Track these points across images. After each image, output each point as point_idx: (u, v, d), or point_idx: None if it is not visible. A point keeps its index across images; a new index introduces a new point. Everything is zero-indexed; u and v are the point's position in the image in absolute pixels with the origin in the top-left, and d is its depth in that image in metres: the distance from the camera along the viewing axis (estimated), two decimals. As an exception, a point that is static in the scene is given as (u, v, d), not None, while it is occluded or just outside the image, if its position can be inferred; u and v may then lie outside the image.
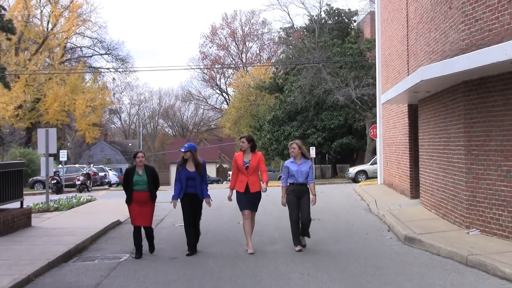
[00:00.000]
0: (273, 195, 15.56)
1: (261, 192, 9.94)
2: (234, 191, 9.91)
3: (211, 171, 60.14)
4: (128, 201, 9.76)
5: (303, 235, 9.91)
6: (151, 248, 10.08)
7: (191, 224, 9.86)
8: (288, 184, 9.84)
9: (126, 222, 13.95)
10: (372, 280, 7.78)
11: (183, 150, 9.85)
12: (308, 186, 9.89)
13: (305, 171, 9.78)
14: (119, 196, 20.85)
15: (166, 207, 15.11)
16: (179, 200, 9.95)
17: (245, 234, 9.89)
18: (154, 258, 9.67)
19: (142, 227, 9.88)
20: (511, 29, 9.41)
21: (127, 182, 9.81)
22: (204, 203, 10.10)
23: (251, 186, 9.70)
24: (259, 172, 9.97)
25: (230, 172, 52.57)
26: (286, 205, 9.82)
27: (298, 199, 9.72)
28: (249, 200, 9.75)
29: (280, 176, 41.30)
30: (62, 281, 8.32)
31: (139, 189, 9.69)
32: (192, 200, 9.83)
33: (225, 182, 47.61)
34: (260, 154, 10.06)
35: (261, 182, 9.91)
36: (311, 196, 9.89)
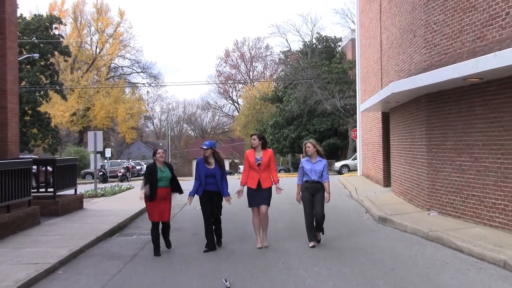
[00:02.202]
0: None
1: (272, 188, 8.20)
2: (245, 188, 8.22)
3: (225, 164, 60.46)
4: (152, 197, 7.84)
5: (318, 231, 8.23)
6: (168, 243, 8.24)
7: (210, 224, 8.15)
8: (303, 182, 8.18)
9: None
10: (352, 252, 7.80)
11: (205, 148, 8.09)
12: (323, 184, 8.15)
13: (319, 170, 8.04)
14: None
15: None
16: (197, 197, 8.23)
17: (254, 229, 8.35)
18: (180, 234, 9.66)
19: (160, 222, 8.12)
20: (462, 53, 9.42)
21: (152, 178, 7.87)
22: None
23: (262, 182, 7.99)
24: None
25: (241, 166, 52.57)
26: (301, 202, 8.18)
27: (312, 196, 8.03)
28: (260, 196, 8.03)
29: (280, 169, 41.21)
30: (107, 251, 8.38)
31: (162, 185, 7.91)
32: (211, 197, 8.09)
33: (236, 174, 47.59)
34: (271, 151, 8.28)
35: (272, 183, 8.18)
36: (327, 194, 8.22)
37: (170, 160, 62.44)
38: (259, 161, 8.05)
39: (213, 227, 8.22)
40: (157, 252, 7.92)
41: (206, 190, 8.05)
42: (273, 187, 8.28)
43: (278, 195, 8.40)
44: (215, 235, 8.23)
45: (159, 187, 7.87)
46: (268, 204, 8.18)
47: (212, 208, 8.14)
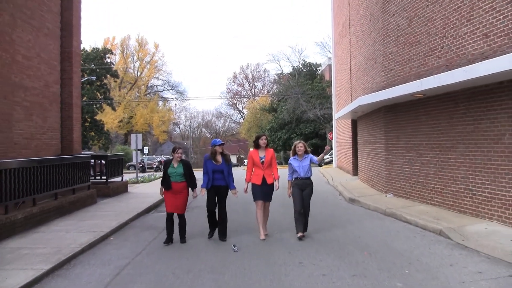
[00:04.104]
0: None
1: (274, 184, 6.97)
2: (249, 184, 6.93)
3: (233, 159, 60.69)
4: (167, 187, 6.59)
5: (303, 227, 6.89)
6: (182, 239, 6.70)
7: (214, 216, 6.86)
8: (293, 178, 6.90)
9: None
10: (329, 225, 7.85)
11: (218, 144, 6.74)
12: (311, 180, 6.96)
13: (307, 165, 6.82)
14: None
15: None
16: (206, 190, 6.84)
17: (257, 223, 7.03)
18: (198, 211, 9.59)
19: (175, 214, 6.78)
20: (411, 76, 9.47)
21: (165, 172, 6.66)
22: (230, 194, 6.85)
23: (267, 178, 6.78)
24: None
25: (246, 161, 52.24)
26: (291, 196, 6.94)
27: (301, 191, 6.81)
28: (264, 191, 6.80)
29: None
30: (145, 224, 8.44)
31: (174, 180, 6.58)
32: (218, 191, 6.70)
33: (242, 166, 47.52)
34: (272, 150, 7.02)
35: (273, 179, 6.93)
36: (326, 147, 6.98)
37: (192, 155, 62.41)
38: (263, 159, 6.83)
39: (217, 222, 6.85)
40: (168, 239, 6.60)
41: (213, 184, 6.66)
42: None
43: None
44: (220, 229, 6.81)
45: (172, 182, 6.58)
46: (270, 200, 6.99)
47: (216, 203, 6.76)
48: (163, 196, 6.78)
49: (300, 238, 6.70)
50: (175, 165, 6.66)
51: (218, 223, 6.82)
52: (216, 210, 6.82)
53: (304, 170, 6.80)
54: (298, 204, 6.79)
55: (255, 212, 7.04)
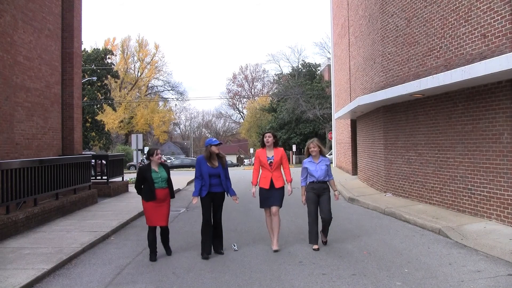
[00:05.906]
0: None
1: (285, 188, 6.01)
2: (257, 187, 6.05)
3: (233, 159, 60.60)
4: (151, 197, 5.59)
5: (323, 232, 6.13)
6: (168, 250, 5.87)
7: (209, 228, 5.72)
8: (308, 182, 5.98)
9: (184, 189, 13.95)
10: (328, 223, 7.84)
11: (215, 144, 5.69)
12: (328, 183, 6.01)
13: (324, 169, 5.89)
14: (177, 174, 20.76)
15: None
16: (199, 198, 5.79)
17: (268, 231, 6.14)
18: (199, 211, 9.57)
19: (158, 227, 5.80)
20: (409, 76, 9.48)
21: (143, 180, 5.65)
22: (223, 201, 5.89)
23: (275, 182, 5.83)
24: (282, 170, 6.00)
25: (246, 160, 51.96)
26: (305, 203, 5.99)
27: (318, 197, 5.87)
28: (273, 196, 5.87)
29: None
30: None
31: (158, 187, 5.60)
32: (214, 199, 5.72)
33: (242, 166, 47.52)
34: (282, 149, 6.01)
35: (285, 181, 5.96)
36: (335, 192, 6.15)
37: (192, 155, 62.39)
38: (271, 160, 5.90)
39: (213, 233, 5.83)
40: (153, 257, 5.59)
41: (210, 191, 5.66)
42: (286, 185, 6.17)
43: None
44: (217, 241, 5.86)
45: (156, 189, 5.61)
46: (280, 205, 5.96)
47: (212, 211, 5.80)
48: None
49: (318, 249, 5.87)
50: (157, 169, 5.69)
51: (213, 237, 5.81)
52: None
53: (322, 173, 5.86)
54: (313, 210, 5.89)
55: (265, 220, 6.19)
